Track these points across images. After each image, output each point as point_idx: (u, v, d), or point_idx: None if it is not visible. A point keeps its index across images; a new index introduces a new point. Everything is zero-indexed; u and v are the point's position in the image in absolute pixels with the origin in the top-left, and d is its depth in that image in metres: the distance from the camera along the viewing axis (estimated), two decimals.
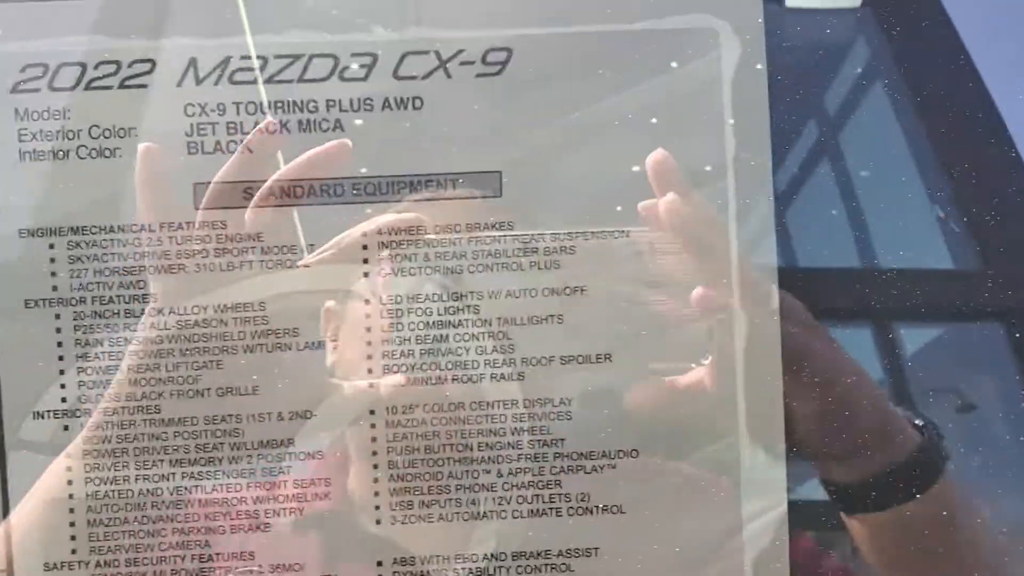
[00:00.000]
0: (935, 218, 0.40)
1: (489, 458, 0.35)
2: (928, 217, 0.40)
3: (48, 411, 0.35)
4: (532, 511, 0.35)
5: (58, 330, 0.35)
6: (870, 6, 0.42)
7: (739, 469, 0.35)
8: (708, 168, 0.36)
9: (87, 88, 0.35)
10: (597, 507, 0.35)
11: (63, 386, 0.35)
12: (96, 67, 0.35)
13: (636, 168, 0.35)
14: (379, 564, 0.35)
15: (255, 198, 0.34)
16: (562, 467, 0.35)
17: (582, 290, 0.35)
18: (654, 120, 0.36)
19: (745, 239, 0.36)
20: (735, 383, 0.35)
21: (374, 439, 0.35)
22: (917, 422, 0.37)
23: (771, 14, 0.36)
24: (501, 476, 0.35)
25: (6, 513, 0.35)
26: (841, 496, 0.37)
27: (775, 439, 0.35)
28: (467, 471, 0.35)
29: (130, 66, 0.35)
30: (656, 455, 0.35)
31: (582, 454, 0.35)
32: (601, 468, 0.35)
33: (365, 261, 0.35)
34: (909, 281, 0.39)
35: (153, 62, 0.35)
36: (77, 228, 0.35)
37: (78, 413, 0.35)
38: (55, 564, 0.35)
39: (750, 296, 0.35)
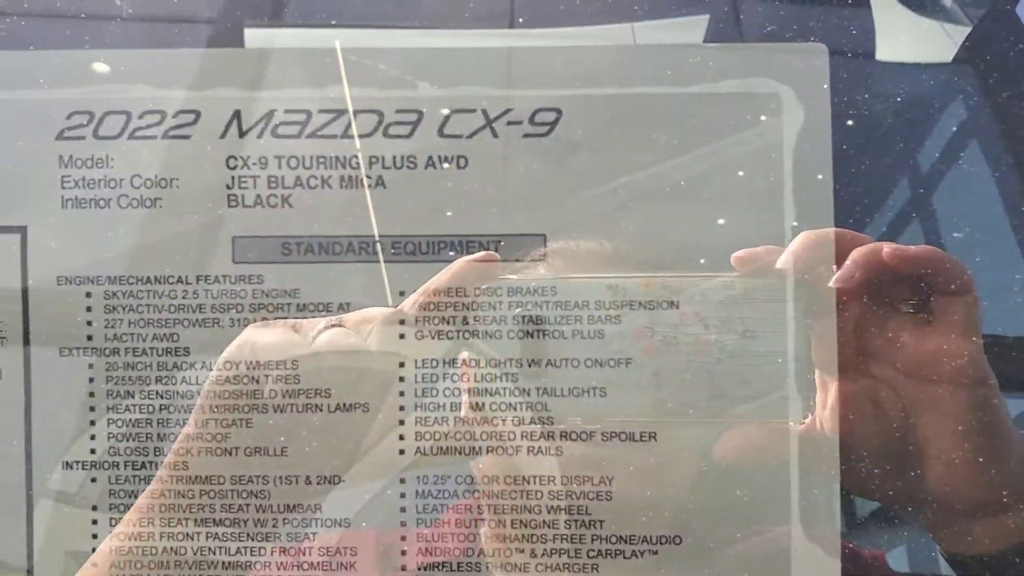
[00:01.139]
0: None
1: (523, 536, 0.34)
2: None
3: (77, 461, 0.35)
4: None
5: (91, 379, 0.35)
6: (965, 62, 0.40)
7: (789, 564, 0.33)
8: (763, 241, 0.34)
9: (131, 137, 0.35)
10: None
11: (93, 437, 0.35)
12: (141, 116, 0.35)
13: (684, 237, 0.34)
14: None
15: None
16: (600, 551, 0.34)
17: (627, 362, 0.34)
18: (707, 188, 0.34)
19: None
20: (788, 473, 0.33)
21: (403, 509, 0.34)
22: None
23: (858, 69, 0.34)
24: (535, 556, 0.34)
25: (30, 563, 0.35)
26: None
27: (831, 533, 0.33)
28: (498, 549, 0.34)
29: (175, 116, 0.35)
30: (701, 543, 0.33)
31: (622, 538, 0.34)
32: (642, 554, 0.34)
33: (402, 323, 0.34)
34: (1006, 347, 0.36)
35: (197, 113, 0.35)
36: (115, 278, 0.35)
37: (107, 465, 0.35)
38: None
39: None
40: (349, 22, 0.38)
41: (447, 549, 0.35)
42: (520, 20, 0.35)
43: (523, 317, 0.34)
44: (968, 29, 0.41)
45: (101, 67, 0.35)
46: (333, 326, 0.34)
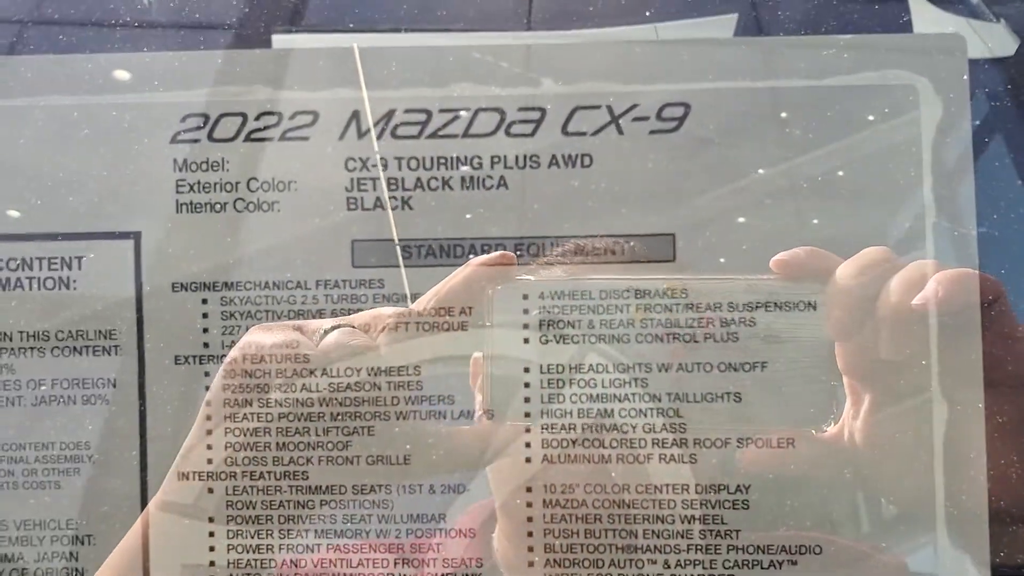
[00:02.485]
0: None
1: (655, 547, 0.33)
2: None
3: (193, 472, 0.34)
4: None
5: (207, 388, 0.34)
6: None
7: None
8: (902, 238, 0.33)
9: (247, 139, 0.34)
10: None
11: (209, 447, 0.34)
12: (257, 118, 0.34)
13: (822, 234, 0.33)
14: None
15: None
16: (737, 561, 0.33)
17: (763, 365, 0.33)
18: (843, 183, 0.33)
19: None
20: (933, 477, 0.32)
21: (530, 519, 0.34)
22: None
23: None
24: (668, 567, 0.33)
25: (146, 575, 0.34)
26: None
27: (979, 544, 0.32)
28: (631, 560, 0.33)
29: (292, 118, 0.34)
30: (840, 556, 0.32)
31: (760, 548, 0.33)
32: (780, 564, 0.33)
33: (525, 327, 0.34)
34: None
35: (316, 114, 0.34)
36: (231, 283, 0.34)
37: (224, 475, 0.34)
38: None
39: (952, 380, 0.32)
40: (456, 26, 0.38)
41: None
42: (646, 14, 0.34)
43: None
44: (992, 24, 0.39)
45: (216, 69, 0.35)
46: (340, 326, 0.34)
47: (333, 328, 0.33)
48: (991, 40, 0.37)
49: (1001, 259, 0.35)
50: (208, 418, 0.34)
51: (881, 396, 0.33)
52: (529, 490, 0.34)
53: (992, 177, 0.38)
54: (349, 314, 0.34)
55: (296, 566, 0.34)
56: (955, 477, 0.32)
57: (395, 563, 0.34)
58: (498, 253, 0.34)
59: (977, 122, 0.38)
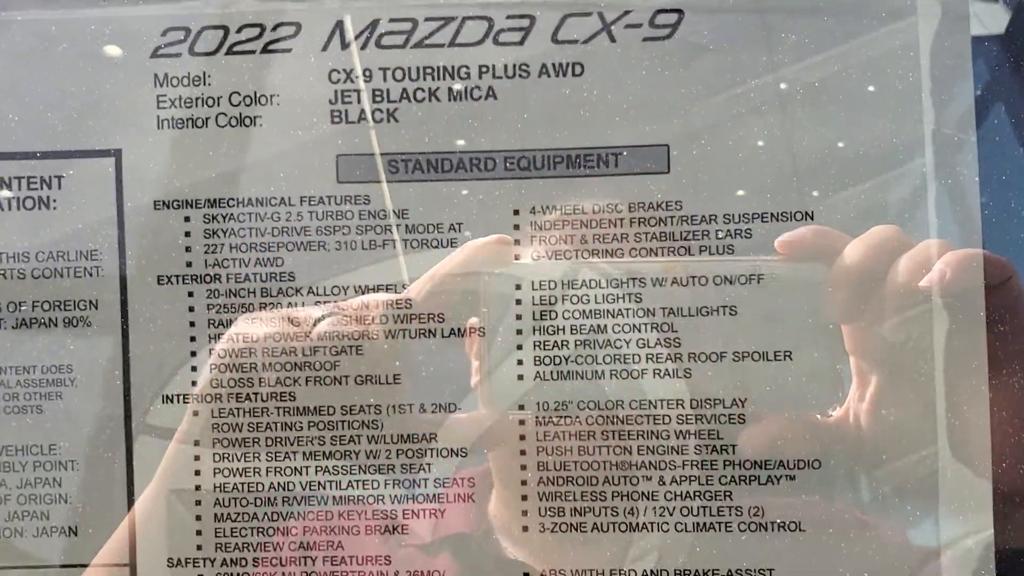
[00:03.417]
0: None
1: (650, 464, 0.33)
2: None
3: (178, 395, 0.34)
4: (698, 525, 0.33)
5: (191, 308, 0.34)
6: None
7: (937, 486, 0.32)
8: (901, 146, 0.32)
9: (229, 52, 0.34)
10: (772, 524, 0.32)
11: (194, 368, 0.34)
12: (239, 30, 0.34)
13: (819, 143, 0.32)
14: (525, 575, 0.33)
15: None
16: (733, 477, 0.33)
17: (759, 278, 0.33)
18: (840, 90, 0.33)
19: (946, 225, 0.32)
20: (934, 391, 0.32)
21: (523, 437, 0.33)
22: None
23: None
24: (664, 484, 0.33)
25: (131, 502, 0.34)
26: None
27: (981, 453, 0.32)
28: (625, 477, 0.33)
29: (274, 29, 0.34)
30: (841, 467, 0.32)
31: (757, 463, 0.32)
32: (778, 479, 0.32)
33: (517, 243, 0.33)
34: None
35: (298, 25, 0.34)
36: (214, 200, 0.34)
37: (209, 398, 0.34)
38: (179, 560, 0.34)
39: (953, 294, 0.31)
40: None
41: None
42: None
43: None
44: None
45: None
46: (331, 314, 0.33)
47: (325, 316, 0.33)
48: None
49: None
50: (195, 414, 0.34)
51: (889, 378, 0.32)
52: (522, 407, 0.33)
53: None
54: (333, 231, 0.34)
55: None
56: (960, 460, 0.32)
57: (384, 484, 0.34)
58: (494, 237, 0.34)
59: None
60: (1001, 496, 0.32)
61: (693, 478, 0.33)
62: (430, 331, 0.34)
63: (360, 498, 0.34)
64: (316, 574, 0.34)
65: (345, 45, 0.34)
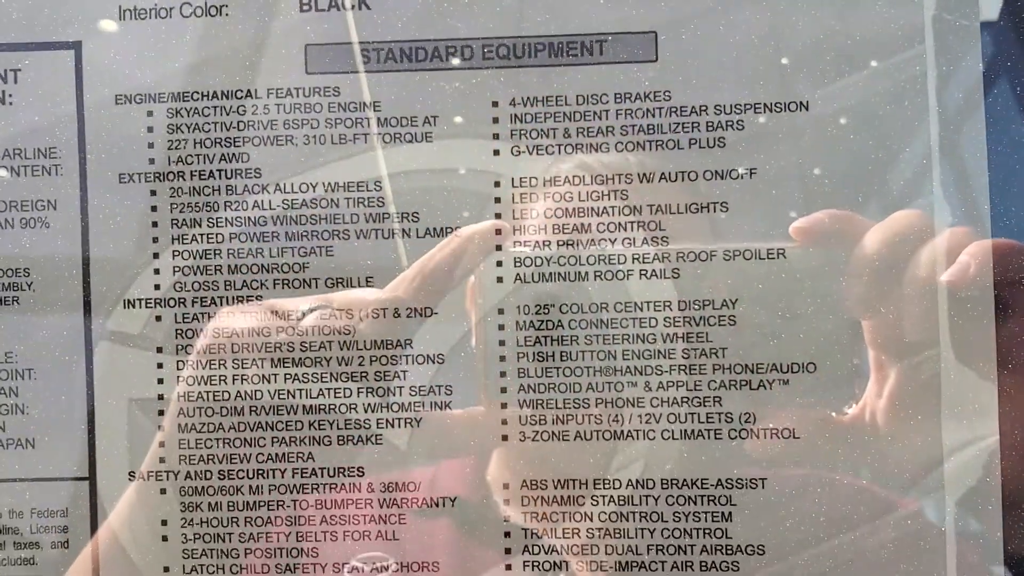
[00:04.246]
0: None
1: (636, 368, 0.31)
2: None
3: (140, 299, 0.33)
4: (686, 432, 0.31)
5: (153, 208, 0.33)
6: None
7: (940, 389, 0.30)
8: (900, 32, 0.31)
9: None
10: (764, 430, 0.31)
11: (157, 271, 0.33)
12: None
13: (813, 30, 0.31)
14: (505, 487, 0.32)
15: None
16: (723, 382, 0.31)
17: (751, 172, 0.31)
18: None
19: (947, 118, 0.31)
20: (935, 290, 0.30)
21: (502, 342, 0.32)
22: None
23: None
24: (650, 390, 0.31)
25: (91, 412, 0.33)
26: None
27: (985, 353, 0.30)
28: (610, 383, 0.31)
29: None
30: (837, 368, 0.30)
31: (747, 367, 0.31)
32: (770, 384, 0.31)
33: (496, 137, 0.32)
34: None
35: None
36: (178, 94, 0.33)
37: (172, 303, 0.32)
38: (140, 473, 0.32)
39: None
40: None
41: None
42: None
43: None
44: None
45: None
46: (319, 308, 0.32)
47: (312, 310, 0.32)
48: None
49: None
50: (182, 412, 0.33)
51: (909, 374, 0.31)
52: (501, 312, 0.32)
53: None
54: (301, 125, 0.32)
55: None
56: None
57: (358, 392, 0.32)
58: (487, 224, 0.32)
59: None
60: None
61: (680, 383, 0.32)
62: (405, 231, 0.32)
63: (332, 407, 0.32)
64: (286, 487, 0.33)
65: None
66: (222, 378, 0.32)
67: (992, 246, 0.31)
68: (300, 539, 0.32)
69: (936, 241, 0.31)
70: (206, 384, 0.32)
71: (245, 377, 0.32)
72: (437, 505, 0.32)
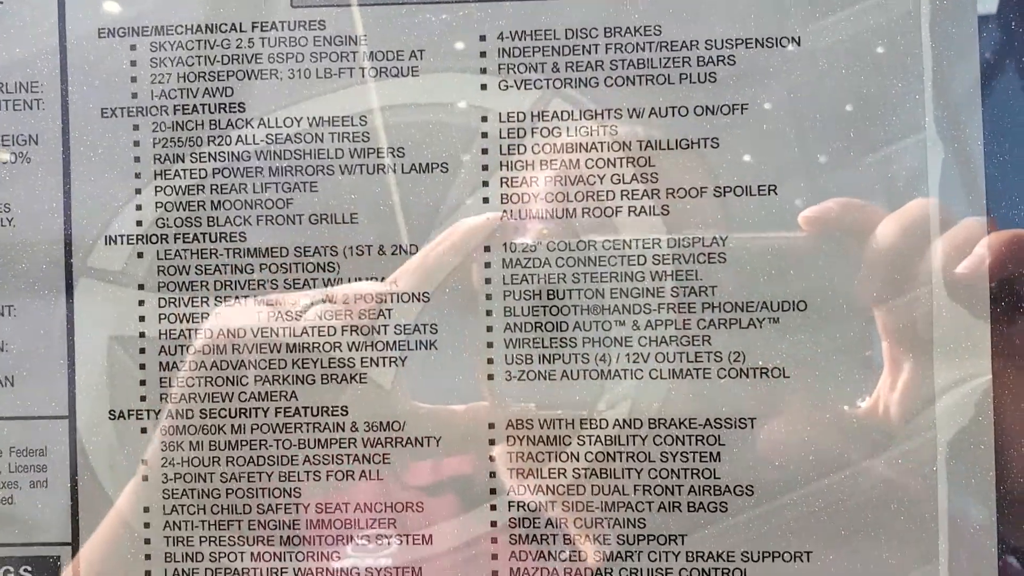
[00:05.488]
0: None
1: (624, 307, 0.31)
2: None
3: (121, 236, 0.33)
4: (674, 371, 0.31)
5: (136, 143, 0.33)
6: None
7: (932, 327, 0.30)
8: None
9: None
10: (754, 369, 0.31)
11: (139, 207, 0.33)
12: None
13: None
14: (491, 427, 0.31)
15: None
16: (712, 320, 0.31)
17: (743, 108, 0.31)
18: None
19: (940, 53, 0.31)
20: (927, 223, 0.30)
21: (488, 280, 0.31)
22: None
23: None
24: (638, 329, 0.31)
25: (71, 349, 0.32)
26: None
27: (978, 290, 0.30)
28: (597, 322, 0.31)
29: None
30: (827, 308, 0.30)
31: (737, 305, 0.31)
32: (760, 323, 0.31)
33: (483, 71, 0.31)
34: None
35: None
36: (161, 27, 0.32)
37: (155, 239, 0.32)
38: (121, 412, 0.32)
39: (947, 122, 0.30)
40: None
41: None
42: None
43: None
44: None
45: None
46: (320, 302, 0.32)
47: (313, 304, 0.32)
48: None
49: None
50: (173, 425, 0.32)
51: (924, 365, 0.31)
52: (488, 249, 0.32)
53: None
54: (286, 59, 0.32)
55: None
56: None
57: (342, 331, 0.32)
58: (485, 217, 0.32)
59: None
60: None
61: (669, 322, 0.31)
62: (391, 167, 0.32)
63: (315, 345, 0.32)
64: (268, 426, 0.32)
65: None
66: (204, 315, 0.32)
67: (1011, 238, 0.31)
68: (283, 479, 0.32)
69: (950, 233, 0.31)
70: (188, 322, 0.32)
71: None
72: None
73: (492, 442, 0.32)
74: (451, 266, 0.32)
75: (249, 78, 0.33)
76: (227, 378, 0.32)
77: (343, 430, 0.32)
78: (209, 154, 0.33)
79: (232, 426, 0.32)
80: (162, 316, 0.33)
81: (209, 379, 0.32)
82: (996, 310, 0.30)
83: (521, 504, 0.32)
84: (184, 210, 0.33)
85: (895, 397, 0.31)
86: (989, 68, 0.31)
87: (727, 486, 0.31)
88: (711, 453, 0.31)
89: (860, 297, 0.31)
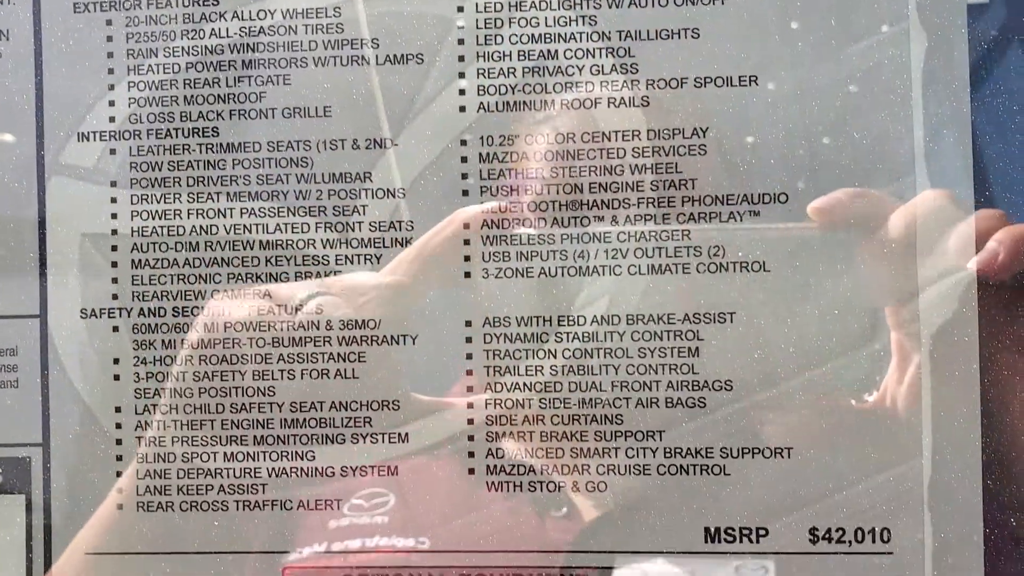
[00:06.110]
0: None
1: (602, 201, 0.31)
2: None
3: (94, 132, 0.32)
4: (653, 267, 0.31)
5: (109, 38, 0.32)
6: None
7: (915, 222, 0.29)
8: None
9: None
10: (734, 263, 0.30)
11: (112, 103, 0.32)
12: None
13: None
14: (467, 324, 0.31)
15: None
16: (692, 214, 0.31)
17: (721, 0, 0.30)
18: None
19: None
20: (910, 100, 0.29)
21: (465, 175, 0.31)
22: None
23: None
24: (616, 223, 0.31)
25: (42, 247, 0.32)
26: None
27: (962, 177, 0.29)
28: (575, 217, 0.31)
29: None
30: (809, 196, 0.30)
31: (717, 198, 0.30)
32: (741, 215, 0.30)
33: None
34: None
35: None
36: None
37: (127, 135, 0.32)
38: (92, 311, 0.32)
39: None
40: None
41: None
42: None
43: None
44: None
45: None
46: (319, 294, 0.32)
47: (312, 296, 0.32)
48: None
49: None
50: (173, 409, 0.32)
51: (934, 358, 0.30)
52: (464, 143, 0.31)
53: None
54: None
55: None
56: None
57: (316, 227, 0.32)
58: (486, 205, 0.32)
59: None
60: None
61: (648, 216, 0.31)
62: (365, 58, 0.32)
63: (289, 242, 0.32)
64: (241, 324, 0.32)
65: None
66: (176, 212, 0.32)
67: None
68: (256, 377, 0.32)
69: (963, 225, 0.30)
70: (161, 219, 0.32)
71: (201, 211, 0.32)
72: None
73: (468, 340, 0.32)
74: (448, 256, 0.32)
75: None
76: (199, 275, 0.32)
77: (318, 328, 0.32)
78: (183, 48, 0.32)
79: (204, 324, 0.32)
80: (134, 213, 0.33)
81: (182, 276, 0.32)
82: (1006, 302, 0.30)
83: (499, 402, 0.31)
84: (157, 105, 0.33)
85: (902, 391, 0.30)
86: None
87: (705, 381, 0.31)
88: (689, 348, 0.31)
89: (869, 296, 0.30)
